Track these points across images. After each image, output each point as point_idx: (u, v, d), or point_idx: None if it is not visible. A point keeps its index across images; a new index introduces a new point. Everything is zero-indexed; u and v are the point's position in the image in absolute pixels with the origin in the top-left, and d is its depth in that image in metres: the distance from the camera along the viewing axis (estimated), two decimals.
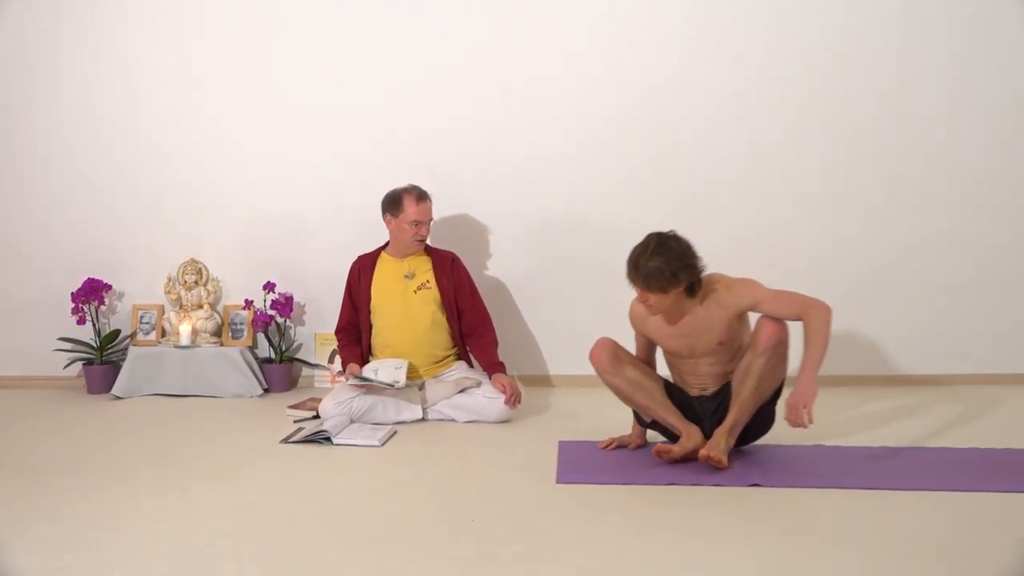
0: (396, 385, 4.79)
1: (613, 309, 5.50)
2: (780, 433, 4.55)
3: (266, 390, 5.50)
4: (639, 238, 5.40)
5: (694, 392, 4.24)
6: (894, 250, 5.71)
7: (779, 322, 4.00)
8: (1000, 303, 5.73)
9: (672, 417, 4.20)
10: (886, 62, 5.66)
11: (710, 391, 4.22)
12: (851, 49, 5.67)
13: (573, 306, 5.65)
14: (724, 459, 3.97)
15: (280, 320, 5.54)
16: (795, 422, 3.87)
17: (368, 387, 4.82)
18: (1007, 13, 5.63)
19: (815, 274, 5.55)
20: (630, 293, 5.44)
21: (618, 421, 4.76)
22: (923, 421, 4.93)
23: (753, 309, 4.03)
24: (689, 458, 4.14)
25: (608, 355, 4.21)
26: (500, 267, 5.67)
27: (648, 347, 4.33)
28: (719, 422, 4.10)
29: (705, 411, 4.21)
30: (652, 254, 3.95)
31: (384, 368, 4.86)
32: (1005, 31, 5.65)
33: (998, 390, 5.55)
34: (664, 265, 3.92)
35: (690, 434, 4.17)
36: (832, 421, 4.88)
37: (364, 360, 5.10)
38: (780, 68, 5.65)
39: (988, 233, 5.70)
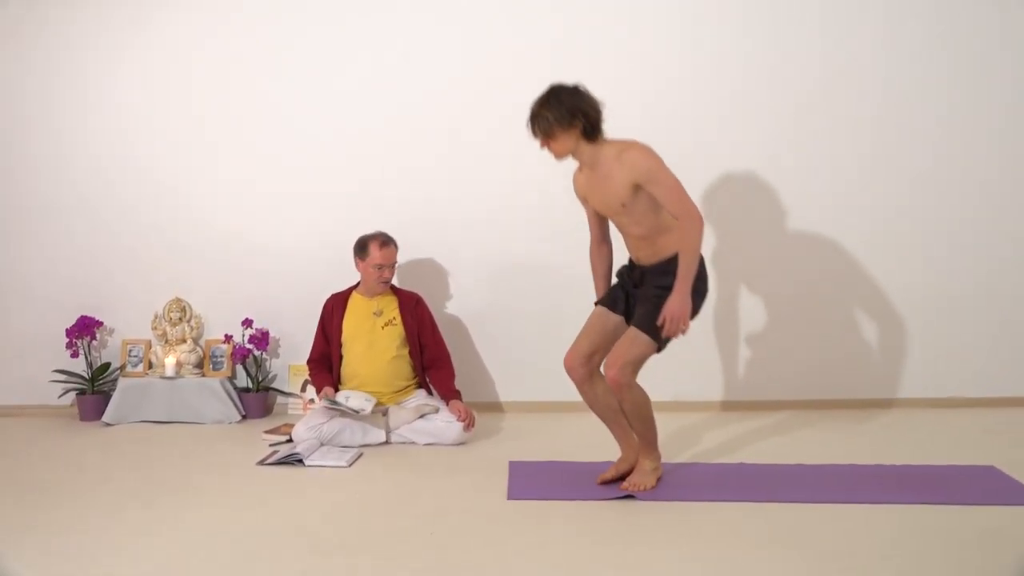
0: (361, 412, 4.83)
1: (556, 342, 5.61)
2: (709, 453, 4.66)
3: (244, 416, 5.50)
4: (579, 281, 5.50)
5: (635, 261, 4.12)
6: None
7: (612, 371, 3.93)
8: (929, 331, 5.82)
9: (619, 435, 4.24)
10: (871, 94, 5.72)
11: (644, 262, 4.06)
12: (842, 88, 5.72)
13: (521, 340, 5.67)
14: (645, 484, 4.04)
15: (257, 353, 5.56)
16: (673, 333, 3.84)
17: (337, 411, 4.86)
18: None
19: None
20: (571, 329, 5.56)
21: (563, 443, 4.86)
22: (839, 441, 5.02)
23: (647, 182, 3.83)
24: (624, 475, 4.21)
25: (581, 375, 4.14)
26: (457, 305, 5.71)
27: (598, 221, 4.25)
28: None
29: (638, 296, 4.08)
30: (543, 103, 3.92)
31: (355, 397, 4.90)
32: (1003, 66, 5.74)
33: (908, 412, 5.68)
34: (549, 112, 3.86)
35: (626, 457, 4.25)
36: (758, 441, 4.97)
37: (335, 388, 5.16)
38: (760, 118, 5.70)
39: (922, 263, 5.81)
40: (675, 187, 3.85)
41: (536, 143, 4.00)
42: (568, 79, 3.96)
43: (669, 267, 3.91)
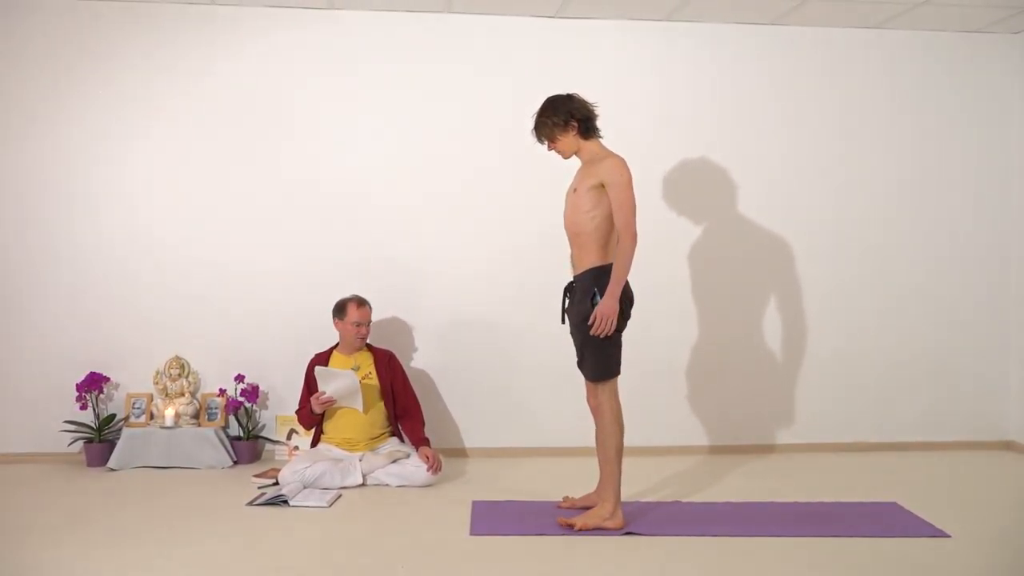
0: (350, 377, 4.93)
1: (513, 393, 5.67)
2: (649, 491, 4.67)
3: (235, 462, 5.44)
4: (532, 338, 5.56)
5: (571, 262, 4.23)
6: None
7: (592, 402, 4.13)
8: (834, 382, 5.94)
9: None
10: (833, 179, 5.93)
11: (574, 264, 4.18)
12: (810, 171, 5.92)
13: (482, 390, 5.71)
14: (580, 524, 4.03)
15: (248, 405, 5.52)
16: (599, 332, 3.92)
17: (330, 377, 4.95)
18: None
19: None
20: (526, 382, 5.61)
21: (521, 484, 4.86)
22: (757, 482, 5.07)
23: (609, 185, 3.94)
24: (577, 505, 4.31)
25: (591, 407, 4.21)
26: (425, 360, 5.72)
27: None
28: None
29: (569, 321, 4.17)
30: (542, 112, 4.11)
31: (340, 376, 4.95)
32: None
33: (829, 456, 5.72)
34: (547, 118, 4.07)
35: (591, 495, 4.30)
36: (690, 482, 4.98)
37: (318, 438, 5.14)
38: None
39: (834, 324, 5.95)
40: (628, 202, 3.95)
41: (542, 150, 4.23)
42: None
43: (585, 287, 4.01)
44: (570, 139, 4.09)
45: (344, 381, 4.94)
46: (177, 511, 4.41)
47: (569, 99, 4.09)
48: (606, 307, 3.91)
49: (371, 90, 5.70)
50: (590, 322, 3.94)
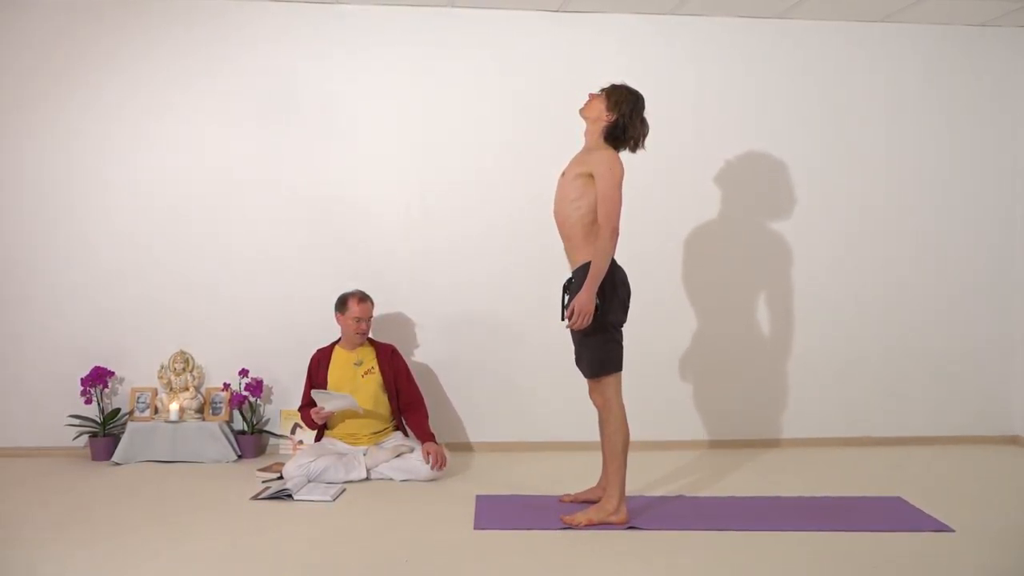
0: (348, 402, 4.94)
1: (516, 388, 5.65)
2: (653, 486, 4.67)
3: (240, 456, 5.46)
4: (531, 334, 5.57)
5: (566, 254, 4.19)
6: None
7: (592, 396, 4.10)
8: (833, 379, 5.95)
9: (603, 464, 4.21)
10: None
11: (569, 258, 4.14)
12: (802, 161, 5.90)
13: (486, 385, 5.71)
14: (580, 521, 4.03)
15: (252, 399, 5.54)
16: (576, 327, 3.92)
17: (328, 400, 4.95)
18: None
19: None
20: (529, 377, 5.60)
21: (525, 478, 4.86)
22: (762, 476, 5.07)
23: (597, 177, 3.93)
24: (585, 502, 4.30)
25: (596, 404, 4.16)
26: (429, 355, 5.73)
27: None
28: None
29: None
30: (628, 86, 4.11)
31: (339, 398, 4.95)
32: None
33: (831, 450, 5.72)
34: (621, 91, 4.07)
35: (598, 487, 4.30)
36: (695, 476, 4.98)
37: (322, 432, 5.16)
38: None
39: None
40: (612, 196, 3.92)
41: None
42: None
43: (580, 284, 3.97)
44: (597, 112, 4.07)
45: (342, 403, 4.97)
46: (181, 505, 4.42)
47: (639, 111, 4.07)
48: (581, 301, 3.89)
49: (375, 85, 5.70)
50: (568, 314, 3.95)
